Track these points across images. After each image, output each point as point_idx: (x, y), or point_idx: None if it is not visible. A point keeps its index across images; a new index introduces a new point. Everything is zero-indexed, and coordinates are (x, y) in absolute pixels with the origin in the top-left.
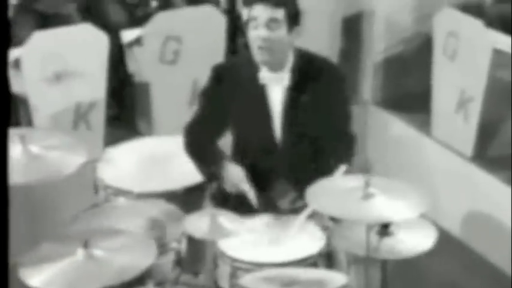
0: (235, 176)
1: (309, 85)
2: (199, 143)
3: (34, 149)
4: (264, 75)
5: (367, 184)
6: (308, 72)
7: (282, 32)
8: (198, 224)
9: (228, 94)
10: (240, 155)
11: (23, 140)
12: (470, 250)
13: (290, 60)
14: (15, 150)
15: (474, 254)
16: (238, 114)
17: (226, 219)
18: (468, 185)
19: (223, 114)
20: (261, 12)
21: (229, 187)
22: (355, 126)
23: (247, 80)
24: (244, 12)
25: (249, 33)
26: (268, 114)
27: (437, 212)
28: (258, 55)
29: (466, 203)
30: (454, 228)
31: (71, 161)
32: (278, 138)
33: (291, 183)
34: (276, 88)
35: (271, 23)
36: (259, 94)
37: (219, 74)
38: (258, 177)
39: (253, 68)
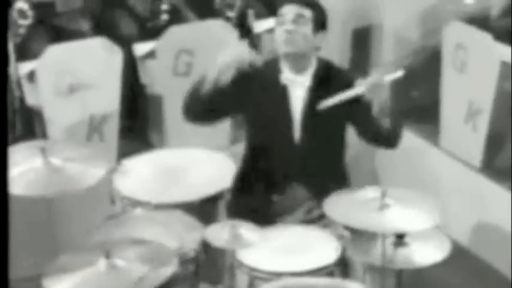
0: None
1: (330, 90)
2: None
3: (55, 161)
4: (287, 76)
5: (383, 195)
6: (328, 78)
7: (307, 28)
8: (219, 233)
9: (245, 95)
10: (256, 158)
11: (44, 152)
12: (478, 259)
13: (313, 65)
14: (36, 162)
15: (482, 263)
16: (258, 114)
17: (247, 230)
18: (476, 195)
19: (227, 108)
20: (289, 10)
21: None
22: None
23: (268, 80)
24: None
25: (276, 31)
26: (289, 115)
27: (445, 222)
28: (282, 47)
29: (474, 213)
30: (463, 237)
31: (91, 173)
32: (297, 139)
33: (308, 186)
34: (298, 90)
35: (298, 18)
36: (281, 95)
37: (240, 75)
38: (274, 180)
39: (275, 70)
